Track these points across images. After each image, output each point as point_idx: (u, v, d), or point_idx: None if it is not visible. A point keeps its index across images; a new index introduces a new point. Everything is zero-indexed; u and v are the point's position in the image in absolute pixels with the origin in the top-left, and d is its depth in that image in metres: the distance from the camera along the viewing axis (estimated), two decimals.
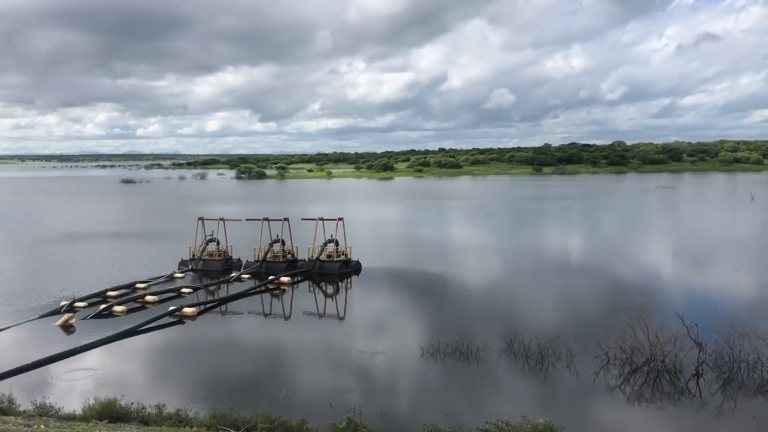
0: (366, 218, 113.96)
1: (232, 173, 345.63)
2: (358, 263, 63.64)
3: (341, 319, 48.51)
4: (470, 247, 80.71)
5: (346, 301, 55.18)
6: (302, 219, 67.38)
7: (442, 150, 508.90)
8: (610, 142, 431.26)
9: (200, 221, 66.50)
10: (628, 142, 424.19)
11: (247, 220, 68.64)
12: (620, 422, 28.52)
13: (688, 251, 76.73)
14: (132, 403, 26.24)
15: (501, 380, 33.52)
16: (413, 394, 32.12)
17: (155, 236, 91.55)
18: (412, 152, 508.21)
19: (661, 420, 28.93)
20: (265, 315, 49.49)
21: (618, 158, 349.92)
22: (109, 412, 25.03)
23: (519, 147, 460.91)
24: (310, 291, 58.27)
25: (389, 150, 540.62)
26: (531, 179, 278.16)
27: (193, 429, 22.03)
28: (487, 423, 24.89)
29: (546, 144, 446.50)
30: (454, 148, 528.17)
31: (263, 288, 56.75)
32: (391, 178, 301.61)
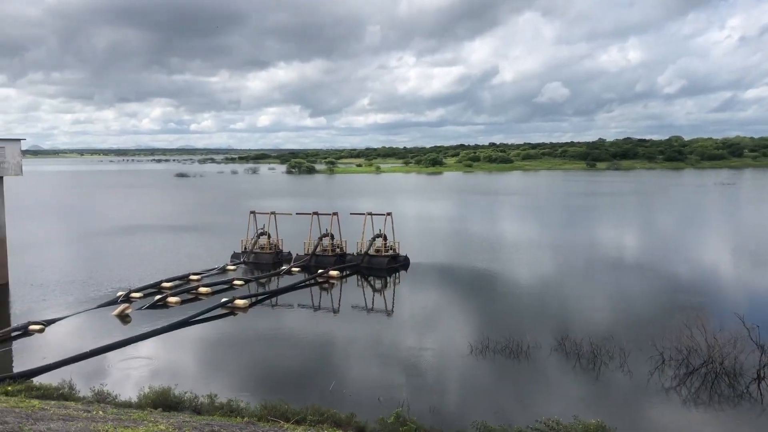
0: (414, 213, 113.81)
1: (283, 168, 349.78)
2: (406, 258, 63.63)
3: (389, 313, 48.56)
4: (521, 243, 79.74)
5: (394, 296, 55.21)
6: (351, 213, 67.69)
7: (492, 145, 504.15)
8: (666, 137, 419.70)
9: (252, 215, 67.54)
10: (686, 137, 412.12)
11: (297, 214, 69.35)
12: (676, 425, 27.74)
13: (749, 250, 74.04)
14: (185, 393, 26.80)
15: (551, 379, 33.00)
16: (461, 391, 31.92)
17: (208, 229, 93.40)
18: (462, 147, 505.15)
19: (719, 424, 28.02)
20: (315, 308, 49.91)
21: (675, 154, 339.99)
22: (163, 400, 25.62)
23: (572, 142, 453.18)
24: (358, 285, 58.52)
25: (438, 145, 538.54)
26: (584, 175, 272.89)
27: (245, 419, 22.36)
28: (537, 422, 24.51)
29: (600, 139, 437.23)
30: (505, 142, 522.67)
31: (312, 281, 57.29)
32: (439, 173, 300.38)
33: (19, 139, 58.21)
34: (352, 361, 36.70)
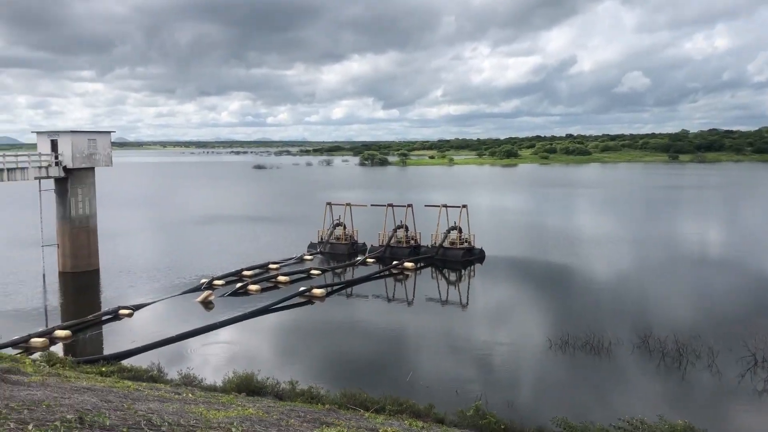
0: (489, 206, 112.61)
1: (356, 160, 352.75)
2: (481, 251, 63.08)
3: (464, 306, 48.35)
4: (600, 237, 77.67)
5: (468, 288, 54.97)
6: (425, 206, 67.62)
7: (569, 136, 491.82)
8: (756, 128, 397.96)
9: (328, 206, 68.50)
10: None
11: (372, 205, 69.91)
12: None
13: None
14: (267, 378, 27.47)
15: (634, 377, 32.05)
16: (539, 386, 31.47)
17: (286, 219, 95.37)
18: (537, 138, 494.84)
19: None
20: (389, 299, 50.24)
21: (765, 145, 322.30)
22: (246, 385, 26.35)
23: (653, 133, 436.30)
24: (432, 277, 58.50)
25: (513, 136, 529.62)
26: (666, 167, 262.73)
27: (326, 406, 22.75)
28: (620, 420, 23.85)
29: (683, 130, 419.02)
30: (583, 134, 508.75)
31: (387, 272, 57.64)
32: (514, 165, 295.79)
33: (109, 132, 61.02)
34: (427, 352, 36.76)
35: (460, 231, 63.11)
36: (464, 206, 63.41)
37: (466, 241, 62.90)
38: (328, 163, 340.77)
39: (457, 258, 61.12)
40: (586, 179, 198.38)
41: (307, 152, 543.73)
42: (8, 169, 52.68)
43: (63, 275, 56.50)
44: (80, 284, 54.69)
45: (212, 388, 26.85)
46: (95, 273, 57.39)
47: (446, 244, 62.49)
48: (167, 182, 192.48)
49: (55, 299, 50.77)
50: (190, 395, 20.02)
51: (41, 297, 50.06)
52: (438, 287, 55.02)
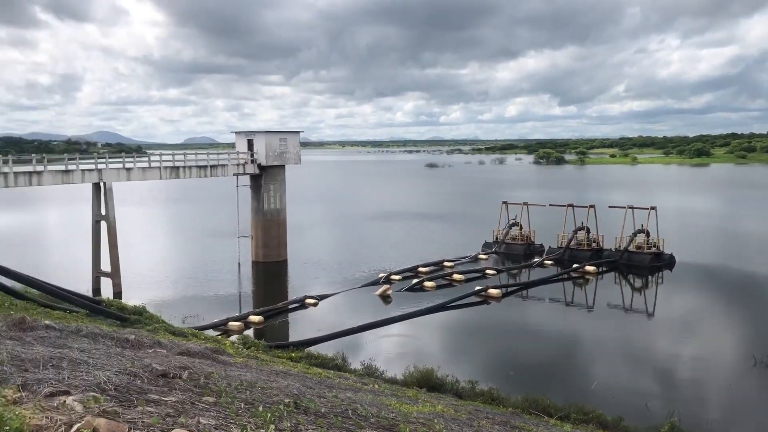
0: (680, 208, 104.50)
1: (530, 158, 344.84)
2: (671, 257, 58.65)
3: (650, 315, 45.40)
4: None
5: (656, 296, 51.50)
6: (609, 207, 64.15)
7: None
8: None
9: (504, 205, 67.40)
10: None
11: (550, 205, 67.67)
12: None
13: None
14: (446, 376, 27.54)
15: None
16: (741, 406, 28.57)
17: (459, 218, 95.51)
18: (733, 136, 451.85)
19: None
20: (567, 303, 48.42)
21: None
22: (427, 380, 26.59)
23: None
24: (615, 283, 55.50)
25: (704, 134, 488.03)
26: None
27: (509, 410, 22.31)
28: None
29: None
30: None
31: (566, 275, 55.56)
32: (706, 165, 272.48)
33: (298, 132, 64.81)
34: (609, 361, 34.86)
35: (648, 234, 59.13)
36: (653, 208, 59.27)
37: (654, 246, 58.81)
38: (501, 161, 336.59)
39: (643, 263, 57.35)
40: None
41: (479, 151, 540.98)
42: (211, 166, 57.84)
43: (255, 264, 61.02)
44: (270, 273, 58.70)
45: (393, 381, 27.43)
46: (283, 263, 61.29)
47: (632, 248, 58.85)
48: (346, 180, 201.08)
49: (248, 286, 54.99)
50: (376, 386, 20.56)
51: (236, 284, 54.40)
52: (621, 294, 52.01)
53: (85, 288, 45.05)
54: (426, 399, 18.95)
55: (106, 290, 48.82)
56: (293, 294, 49.20)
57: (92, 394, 5.99)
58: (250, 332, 39.24)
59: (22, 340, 10.26)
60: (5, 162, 44.21)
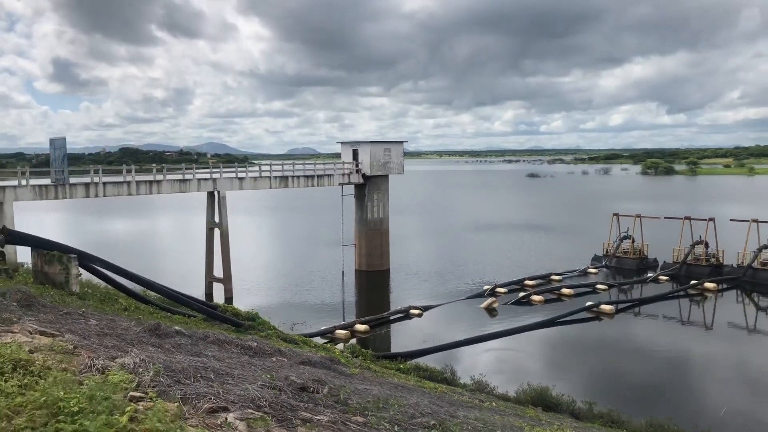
0: None
1: (636, 168, 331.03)
2: None
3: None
4: None
5: None
6: (731, 220, 60.07)
7: None
8: None
9: (615, 217, 64.57)
10: None
11: (665, 218, 64.21)
12: None
13: None
14: (562, 395, 26.40)
15: None
16: None
17: (565, 230, 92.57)
18: None
19: None
20: (684, 321, 45.72)
21: None
22: (542, 399, 25.59)
23: None
24: (738, 301, 51.92)
25: None
26: None
27: None
28: None
29: None
30: None
31: (683, 292, 52.44)
32: None
33: (401, 142, 64.98)
34: (736, 387, 32.40)
35: None
36: None
37: None
38: (606, 171, 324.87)
39: None
40: None
41: (582, 160, 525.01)
42: (318, 176, 58.92)
43: (358, 273, 61.50)
44: (373, 282, 58.99)
45: (505, 398, 26.57)
46: (386, 273, 61.43)
47: (756, 264, 54.81)
48: (445, 190, 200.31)
49: (351, 295, 55.44)
50: (494, 404, 19.90)
51: (340, 292, 54.99)
52: (744, 313, 48.57)
53: (198, 293, 46.93)
54: (548, 420, 18.09)
55: (218, 295, 50.58)
56: (396, 303, 49.12)
57: (249, 410, 5.83)
58: (356, 341, 39.38)
59: (162, 347, 10.45)
60: (128, 171, 46.78)
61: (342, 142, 63.95)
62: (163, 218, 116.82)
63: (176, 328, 14.31)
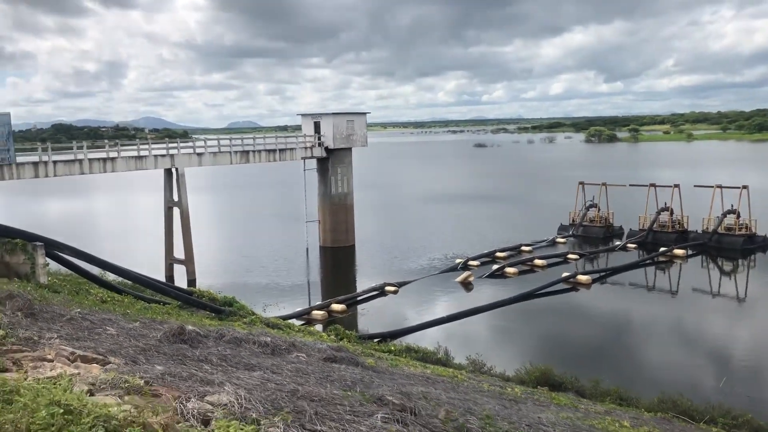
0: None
1: (580, 136, 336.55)
2: (765, 239, 55.19)
3: (741, 300, 43.12)
4: None
5: (748, 280, 48.60)
6: (695, 186, 60.66)
7: None
8: None
9: (580, 186, 64.37)
10: None
11: (631, 185, 64.35)
12: None
13: None
14: (564, 372, 25.55)
15: None
16: None
17: (525, 200, 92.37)
18: None
19: None
20: (661, 289, 45.97)
21: None
22: (546, 379, 24.65)
23: None
24: (703, 266, 52.57)
25: (761, 108, 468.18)
26: None
27: (657, 414, 20.25)
28: None
29: None
30: None
31: (652, 260, 52.75)
32: (766, 141, 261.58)
33: (365, 113, 62.97)
34: (736, 356, 32.42)
35: (739, 215, 55.66)
36: (744, 187, 55.62)
37: (745, 227, 55.40)
38: (551, 140, 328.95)
39: (735, 246, 54.05)
40: None
41: (525, 130, 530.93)
42: (280, 150, 56.52)
43: (323, 249, 59.72)
44: (339, 259, 57.38)
45: (505, 378, 25.59)
46: (351, 249, 59.82)
47: (721, 229, 55.53)
48: (398, 162, 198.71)
49: (319, 273, 53.79)
50: (509, 390, 18.74)
51: (306, 270, 53.22)
52: (720, 279, 49.28)
53: (159, 275, 44.30)
54: (571, 403, 17.01)
55: (180, 277, 48.12)
56: (366, 280, 47.68)
57: None
58: (335, 322, 37.80)
59: (207, 360, 8.64)
60: (80, 148, 43.52)
61: (302, 114, 61.51)
62: (117, 198, 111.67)
63: (189, 327, 12.44)
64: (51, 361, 6.18)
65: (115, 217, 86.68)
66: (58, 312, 10.32)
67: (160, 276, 46.21)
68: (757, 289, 45.96)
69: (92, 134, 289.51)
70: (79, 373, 5.74)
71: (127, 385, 5.30)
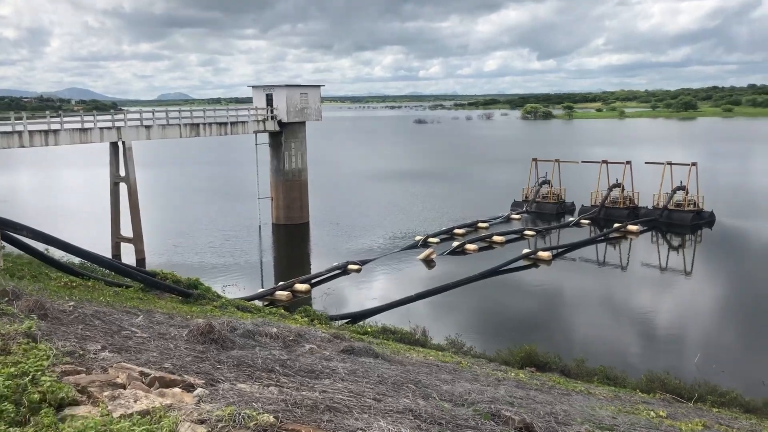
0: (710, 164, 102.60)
1: (516, 113, 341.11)
2: (711, 214, 56.79)
3: (688, 274, 44.63)
4: None
5: (694, 254, 50.05)
6: (646, 162, 61.70)
7: (752, 86, 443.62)
8: None
9: (534, 162, 64.62)
10: None
11: (583, 162, 65.03)
12: None
13: None
14: (547, 353, 25.27)
15: None
16: None
17: (475, 176, 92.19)
18: (714, 89, 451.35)
19: None
20: (623, 266, 46.64)
21: None
22: (530, 359, 24.29)
23: None
24: (653, 242, 53.74)
25: (684, 87, 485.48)
26: None
27: (653, 395, 20.10)
28: None
29: None
30: (766, 84, 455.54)
31: (605, 236, 53.48)
32: (693, 119, 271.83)
33: (319, 86, 61.11)
34: (706, 331, 33.12)
35: (687, 192, 57.01)
36: (693, 164, 56.91)
37: (693, 203, 56.84)
38: (488, 117, 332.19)
39: (684, 221, 55.42)
40: None
41: (462, 106, 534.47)
42: (231, 123, 54.21)
43: (276, 227, 58.00)
44: (293, 236, 55.86)
45: (489, 358, 25.10)
46: (305, 226, 58.30)
47: (671, 206, 56.81)
48: (337, 137, 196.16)
49: (272, 251, 52.22)
50: (521, 375, 18.17)
51: (259, 248, 51.57)
52: (670, 254, 50.44)
53: (105, 254, 41.82)
54: (586, 390, 16.57)
55: (128, 256, 45.70)
56: (322, 259, 46.36)
57: None
58: (300, 303, 36.61)
59: (271, 369, 7.41)
60: (18, 118, 40.33)
61: (254, 86, 59.13)
62: (58, 173, 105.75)
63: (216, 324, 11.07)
64: (123, 386, 4.88)
65: (56, 194, 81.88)
66: (59, 308, 8.86)
67: (107, 255, 43.68)
68: (702, 264, 47.41)
69: (14, 105, 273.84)
70: (171, 405, 4.47)
71: (254, 424, 4.08)
